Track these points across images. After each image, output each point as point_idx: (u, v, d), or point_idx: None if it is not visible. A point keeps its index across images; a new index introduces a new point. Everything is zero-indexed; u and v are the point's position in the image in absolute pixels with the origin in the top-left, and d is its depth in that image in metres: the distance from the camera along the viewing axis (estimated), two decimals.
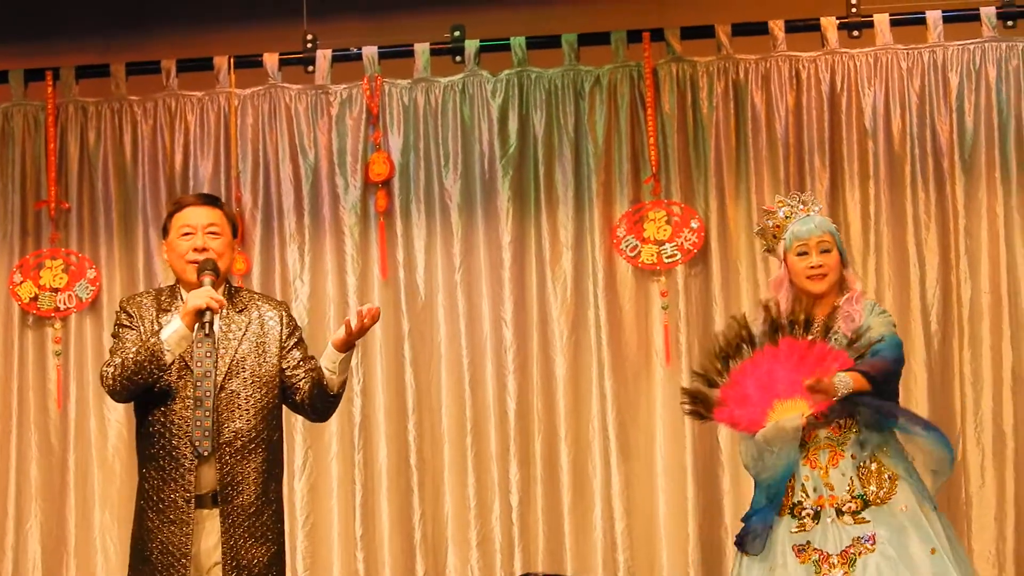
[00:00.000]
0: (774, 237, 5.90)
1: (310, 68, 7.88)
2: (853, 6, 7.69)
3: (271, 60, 7.88)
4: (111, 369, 5.31)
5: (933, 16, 7.66)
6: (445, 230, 7.81)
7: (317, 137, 7.86)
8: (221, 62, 7.88)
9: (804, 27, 7.73)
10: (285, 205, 7.85)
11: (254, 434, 5.39)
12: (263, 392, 5.43)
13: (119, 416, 7.78)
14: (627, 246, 7.66)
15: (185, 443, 5.31)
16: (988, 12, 7.63)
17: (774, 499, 5.63)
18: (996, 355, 7.55)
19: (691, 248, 7.63)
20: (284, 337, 5.51)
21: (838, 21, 7.69)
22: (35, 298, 7.81)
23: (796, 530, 5.60)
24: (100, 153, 7.93)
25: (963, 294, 7.57)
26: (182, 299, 5.43)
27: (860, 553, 5.48)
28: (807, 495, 5.61)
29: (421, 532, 7.71)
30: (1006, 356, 7.54)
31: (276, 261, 7.84)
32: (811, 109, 7.69)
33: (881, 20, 7.67)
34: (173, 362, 5.29)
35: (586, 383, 7.72)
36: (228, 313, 5.46)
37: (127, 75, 7.92)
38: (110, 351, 5.48)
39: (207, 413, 5.31)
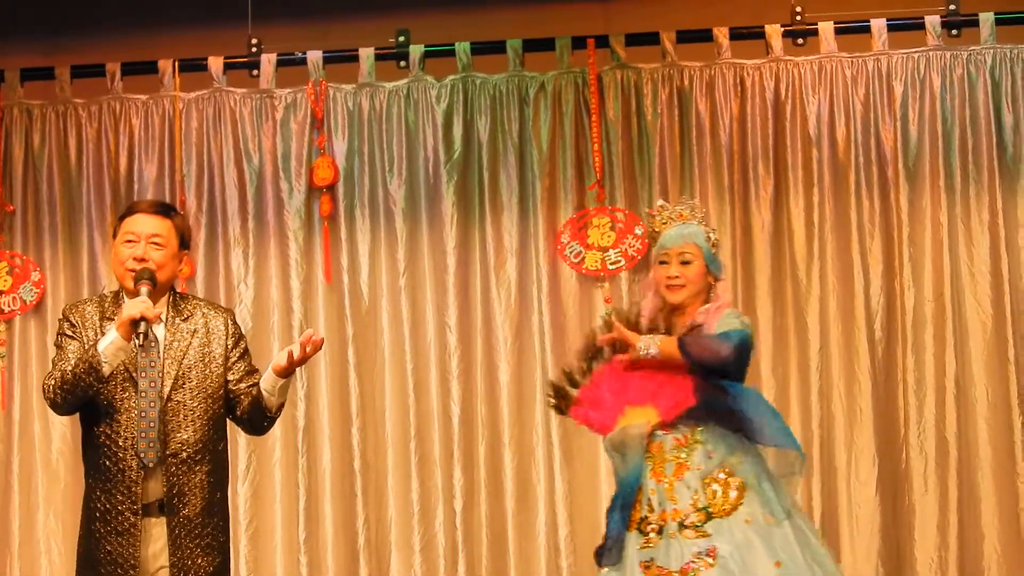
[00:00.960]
0: (653, 241, 5.88)
1: (255, 72, 7.87)
2: (798, 14, 7.69)
3: (216, 64, 7.86)
4: (52, 382, 5.28)
5: (878, 24, 7.66)
6: (389, 235, 7.80)
7: (262, 141, 7.85)
8: (166, 65, 7.86)
9: (749, 35, 7.73)
10: (229, 209, 7.84)
11: (200, 445, 5.36)
12: (209, 403, 5.41)
13: (63, 419, 7.75)
14: (571, 252, 7.66)
15: (131, 454, 5.29)
16: (933, 21, 7.64)
17: (625, 508, 5.58)
18: (939, 363, 7.56)
19: (635, 255, 7.63)
20: (230, 347, 5.49)
21: (783, 29, 7.70)
22: None
23: (642, 546, 5.52)
24: (45, 156, 7.91)
25: (907, 302, 7.58)
26: (123, 303, 5.37)
27: (700, 569, 5.39)
28: (652, 510, 5.54)
29: (364, 537, 7.71)
30: (949, 364, 7.55)
31: (220, 265, 7.83)
32: (755, 116, 7.70)
33: (826, 28, 7.67)
34: (113, 373, 5.26)
35: (530, 389, 7.72)
36: (174, 322, 5.43)
37: (72, 78, 7.91)
38: (52, 362, 5.44)
39: (152, 424, 5.29)
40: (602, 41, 7.74)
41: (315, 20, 8.01)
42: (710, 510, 5.47)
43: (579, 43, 7.75)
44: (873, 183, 7.65)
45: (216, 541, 5.41)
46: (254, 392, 5.45)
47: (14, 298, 7.81)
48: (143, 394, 5.30)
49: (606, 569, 5.61)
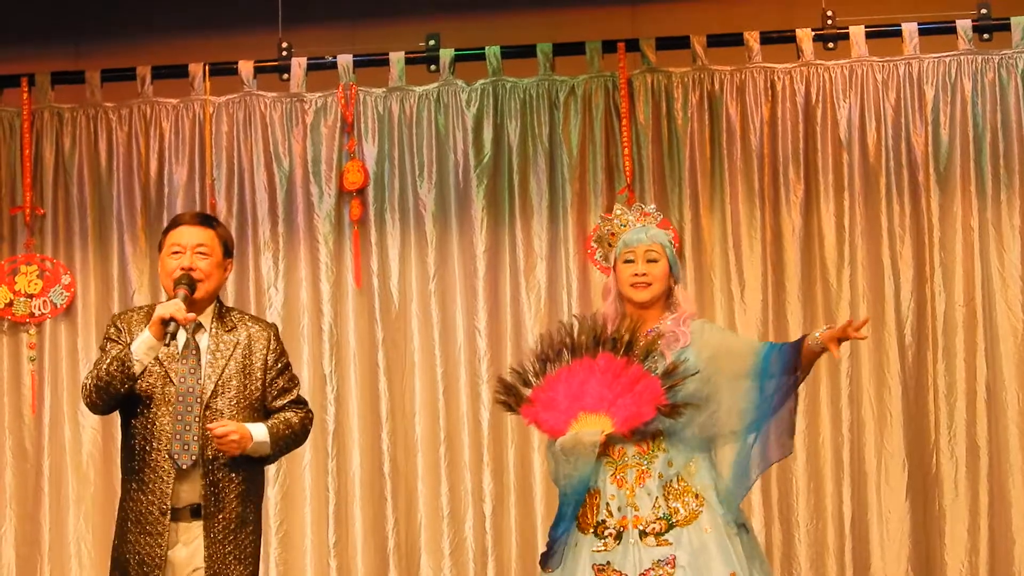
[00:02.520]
0: (609, 245, 5.80)
1: (285, 76, 7.88)
2: (829, 18, 7.67)
3: (246, 68, 7.87)
4: (89, 381, 5.40)
5: (909, 28, 7.64)
6: (419, 239, 7.80)
7: (292, 145, 7.85)
8: (196, 69, 7.87)
9: (779, 39, 7.71)
10: (259, 213, 7.85)
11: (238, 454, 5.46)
12: (247, 413, 5.50)
13: (93, 422, 7.78)
14: (601, 256, 7.63)
15: (164, 456, 5.36)
16: (964, 25, 7.61)
17: (571, 513, 5.54)
18: (970, 368, 7.54)
19: None
20: (270, 363, 5.59)
21: (813, 33, 7.68)
22: (10, 303, 7.82)
23: (598, 549, 5.48)
24: (75, 159, 7.93)
25: (937, 307, 7.57)
26: None
27: None
28: (611, 514, 5.50)
29: (394, 540, 7.71)
30: (980, 369, 7.53)
31: (250, 269, 7.84)
32: (786, 121, 7.68)
33: (857, 32, 7.66)
34: (150, 375, 5.36)
35: None
36: (217, 332, 5.53)
37: (102, 82, 7.92)
38: (94, 364, 5.52)
39: (187, 428, 5.37)
40: (632, 45, 7.74)
41: (345, 24, 8.03)
42: (671, 519, 5.46)
43: (609, 47, 7.74)
44: (904, 188, 7.63)
45: (249, 549, 5.49)
46: (287, 411, 5.59)
47: (44, 301, 7.82)
48: (181, 399, 5.39)
49: (552, 571, 5.59)
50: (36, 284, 7.82)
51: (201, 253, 5.51)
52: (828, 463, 7.57)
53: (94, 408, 5.45)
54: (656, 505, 5.47)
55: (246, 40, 7.96)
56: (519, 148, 7.79)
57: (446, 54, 7.82)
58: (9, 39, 8.09)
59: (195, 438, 5.38)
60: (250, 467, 5.49)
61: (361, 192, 7.78)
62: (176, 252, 5.51)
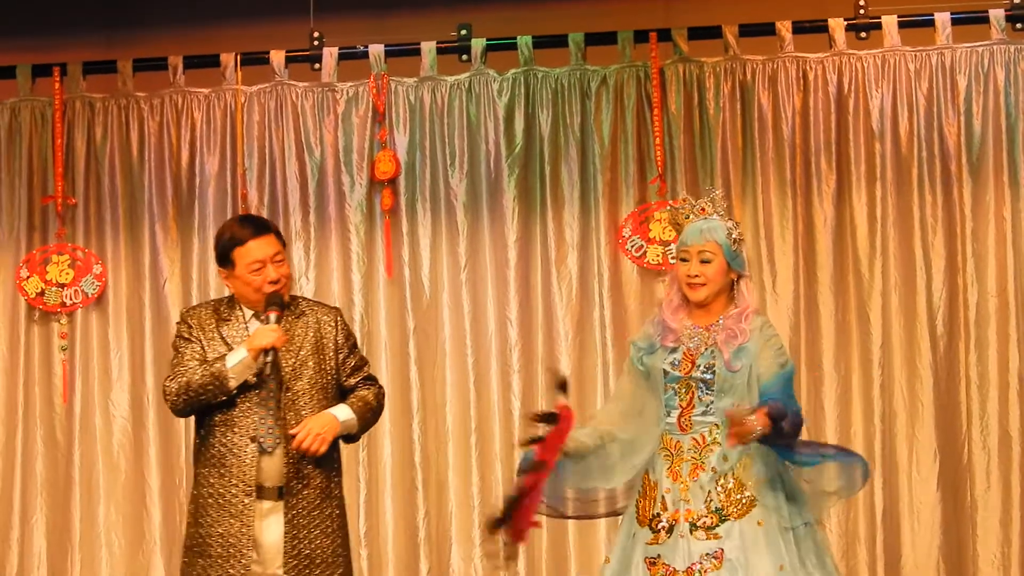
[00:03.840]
0: (678, 233, 5.76)
1: (316, 66, 7.88)
2: (861, 7, 7.66)
3: (278, 57, 7.87)
4: (174, 386, 5.57)
5: (941, 18, 7.63)
6: (450, 229, 7.81)
7: (323, 135, 7.86)
8: (228, 59, 7.88)
9: (811, 28, 7.70)
10: (291, 203, 7.85)
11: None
12: (323, 393, 5.69)
13: (124, 412, 7.82)
14: (632, 246, 7.65)
15: (246, 440, 5.54)
16: (997, 14, 7.60)
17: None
18: (1002, 358, 7.53)
19: None
20: (340, 343, 5.77)
21: (846, 22, 7.66)
22: (41, 293, 7.83)
23: (650, 542, 5.48)
24: (107, 149, 7.94)
25: (969, 297, 7.55)
26: (241, 312, 5.69)
27: (706, 570, 5.35)
28: (665, 508, 5.49)
29: (425, 530, 7.72)
30: (1012, 359, 7.52)
31: None
32: (818, 110, 7.67)
33: (889, 22, 7.64)
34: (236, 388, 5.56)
35: (591, 383, 7.72)
36: (289, 319, 5.69)
37: (134, 71, 7.93)
38: (172, 364, 5.68)
39: (270, 411, 5.57)
40: (664, 35, 7.73)
41: (377, 13, 8.03)
42: (723, 512, 5.45)
43: (641, 37, 7.73)
44: (936, 178, 7.62)
45: (335, 523, 5.69)
46: (360, 389, 5.79)
47: (76, 291, 7.84)
48: (265, 384, 5.57)
49: (609, 563, 5.62)
50: (67, 274, 7.84)
51: (278, 261, 5.67)
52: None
53: (176, 412, 5.64)
54: (708, 499, 5.45)
55: (278, 30, 7.97)
56: (551, 138, 7.79)
57: (478, 44, 7.82)
58: (41, 29, 8.11)
59: (276, 421, 5.56)
60: (329, 446, 5.66)
61: (392, 182, 7.78)
62: (257, 269, 5.62)
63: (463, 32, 7.84)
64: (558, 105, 7.79)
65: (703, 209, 5.67)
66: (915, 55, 7.65)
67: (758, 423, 5.25)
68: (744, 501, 5.44)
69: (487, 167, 7.81)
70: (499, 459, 7.70)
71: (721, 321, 5.58)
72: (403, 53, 7.86)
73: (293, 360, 5.63)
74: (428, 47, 7.83)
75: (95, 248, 7.90)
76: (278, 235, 5.75)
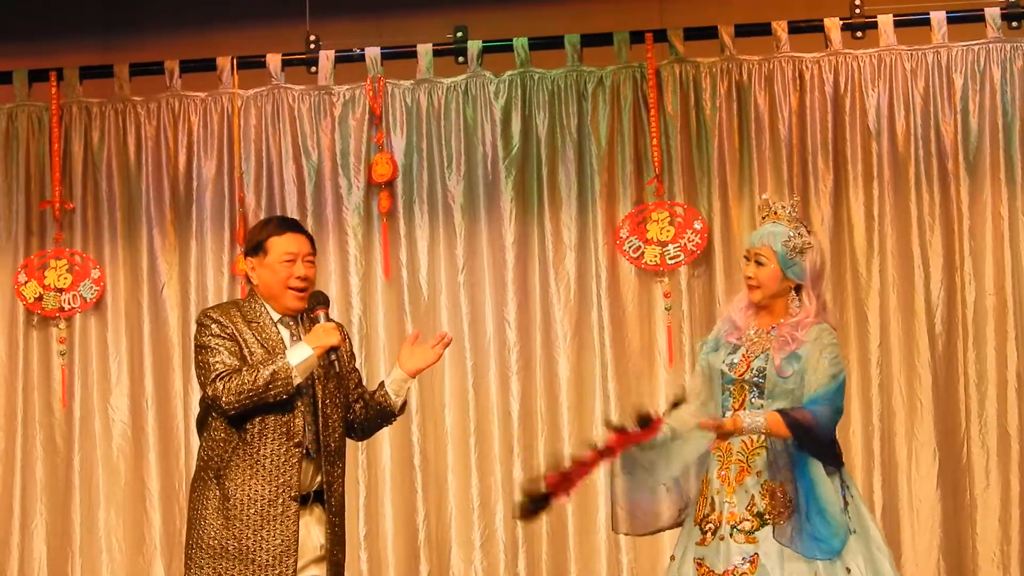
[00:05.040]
0: None
1: (313, 69, 7.89)
2: (857, 7, 7.67)
3: (274, 61, 7.88)
4: (231, 385, 5.45)
5: (937, 17, 7.63)
6: (448, 231, 7.81)
7: (320, 138, 7.86)
8: (224, 63, 7.88)
9: (807, 28, 7.71)
10: (288, 206, 7.86)
11: (340, 440, 5.67)
12: (342, 402, 5.68)
13: (123, 416, 7.82)
14: (630, 247, 7.65)
15: (290, 445, 5.49)
16: (992, 13, 7.60)
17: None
18: (1000, 357, 7.54)
19: (694, 249, 7.63)
20: (348, 357, 5.78)
21: (841, 22, 7.68)
22: (40, 298, 7.83)
23: (699, 543, 5.54)
24: (104, 153, 7.94)
25: (967, 296, 7.56)
26: (267, 311, 5.61)
27: (741, 574, 5.38)
28: (713, 509, 5.54)
29: (425, 532, 7.72)
30: (1011, 358, 7.53)
31: None
32: (815, 110, 7.68)
33: (885, 21, 7.65)
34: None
35: (589, 384, 7.72)
36: (309, 327, 5.65)
37: (130, 76, 7.94)
38: (205, 364, 5.53)
39: (311, 418, 5.54)
40: (660, 35, 7.74)
41: (373, 16, 8.04)
42: (764, 516, 5.46)
43: (637, 38, 7.74)
44: (933, 176, 7.62)
45: (344, 534, 5.70)
46: (365, 397, 5.77)
47: (74, 296, 7.84)
48: (305, 390, 5.53)
49: (674, 560, 5.65)
50: (66, 278, 7.84)
51: (309, 261, 5.65)
52: (859, 452, 7.57)
53: (233, 411, 5.49)
54: (752, 503, 5.47)
55: (274, 33, 7.98)
56: (547, 139, 7.79)
57: (474, 46, 7.83)
58: (37, 34, 8.12)
59: (317, 427, 5.54)
60: (344, 455, 5.69)
61: (390, 184, 7.79)
62: (289, 260, 5.60)
63: (459, 34, 7.85)
64: (555, 106, 7.79)
65: (776, 213, 5.70)
66: (911, 54, 7.66)
67: (743, 420, 5.37)
68: (788, 504, 5.43)
69: (484, 169, 7.81)
70: (498, 460, 7.70)
71: (779, 325, 5.61)
72: (399, 56, 7.87)
73: (324, 367, 5.59)
74: (424, 49, 7.84)
75: (93, 253, 7.90)
76: (311, 242, 5.72)
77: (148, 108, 7.94)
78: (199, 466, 5.62)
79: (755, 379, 5.56)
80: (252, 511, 5.49)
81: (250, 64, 7.90)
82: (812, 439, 5.42)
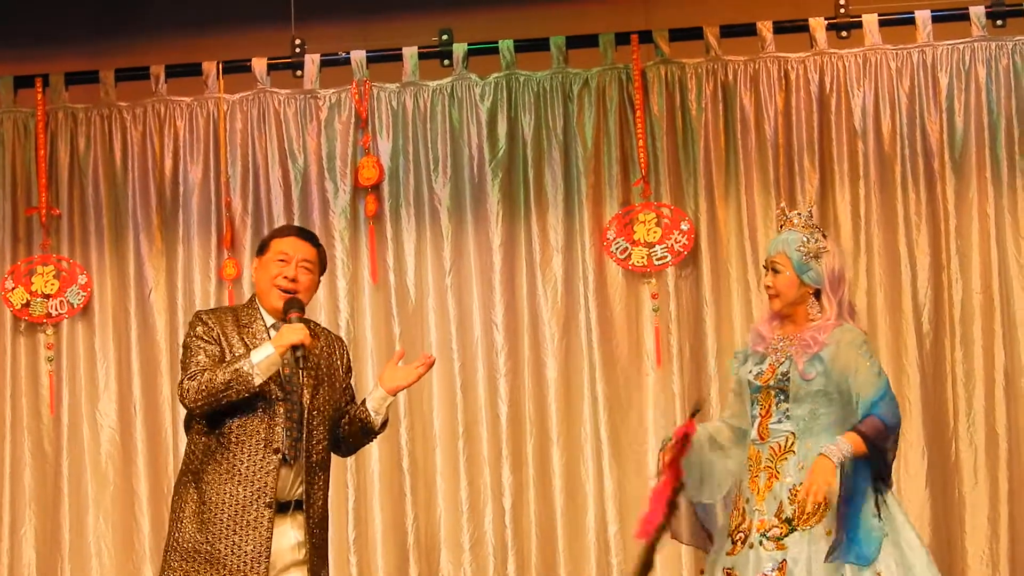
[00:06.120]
0: None
1: (298, 73, 7.89)
2: (842, 6, 7.67)
3: (260, 65, 7.88)
4: (194, 384, 5.46)
5: (922, 16, 7.64)
6: (435, 234, 7.81)
7: (306, 141, 7.86)
8: (210, 67, 7.88)
9: (792, 28, 7.72)
10: (275, 210, 7.85)
11: (325, 452, 5.65)
12: (331, 414, 5.68)
13: (111, 421, 7.81)
14: (617, 248, 7.65)
15: (269, 452, 5.48)
16: (977, 12, 7.61)
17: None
18: (988, 355, 7.54)
19: (681, 250, 7.62)
20: (344, 372, 5.80)
21: (827, 22, 7.68)
22: (27, 304, 7.83)
23: (729, 552, 5.56)
24: (90, 159, 7.94)
25: (954, 294, 7.56)
26: (261, 317, 5.64)
27: None
28: (744, 518, 5.56)
29: (414, 535, 7.71)
30: (998, 356, 7.52)
31: None
32: (800, 110, 7.68)
33: (870, 20, 7.66)
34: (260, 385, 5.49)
35: (577, 386, 7.72)
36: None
37: (116, 81, 7.93)
38: (184, 363, 5.59)
39: (295, 426, 5.52)
40: (646, 36, 7.75)
41: (358, 20, 8.03)
42: (793, 522, 5.46)
43: (623, 39, 7.74)
44: (919, 175, 7.63)
45: (327, 550, 5.68)
46: (355, 414, 5.75)
47: (61, 302, 7.83)
48: (288, 397, 5.53)
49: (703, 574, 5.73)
50: (53, 284, 7.83)
51: (305, 267, 5.67)
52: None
53: (194, 411, 5.53)
54: (780, 509, 5.48)
55: (259, 37, 7.97)
56: (534, 141, 7.79)
57: (459, 48, 7.83)
58: (23, 40, 8.10)
59: (300, 435, 5.53)
60: (329, 467, 5.67)
61: (376, 188, 7.79)
62: (282, 260, 5.64)
63: (445, 37, 7.85)
64: (541, 108, 7.79)
65: (792, 221, 5.73)
66: (896, 53, 7.66)
67: (832, 455, 5.33)
68: (816, 510, 5.43)
69: (470, 171, 7.81)
70: (487, 463, 7.70)
71: (800, 335, 5.62)
72: (385, 59, 7.87)
73: (314, 378, 5.61)
74: (410, 52, 7.84)
75: (80, 258, 7.90)
76: (321, 254, 5.76)
77: (134, 113, 7.94)
78: (181, 469, 5.65)
79: (780, 384, 5.58)
80: (226, 516, 5.48)
81: (236, 68, 7.89)
82: (889, 441, 5.45)
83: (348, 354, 5.87)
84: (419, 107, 7.84)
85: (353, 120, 7.84)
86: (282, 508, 5.50)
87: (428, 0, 7.99)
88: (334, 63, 7.88)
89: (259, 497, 5.46)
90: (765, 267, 5.73)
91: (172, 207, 7.90)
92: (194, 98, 7.91)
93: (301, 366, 5.47)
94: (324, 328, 5.92)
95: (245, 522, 5.45)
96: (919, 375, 7.54)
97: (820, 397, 5.54)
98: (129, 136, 7.94)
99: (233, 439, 5.51)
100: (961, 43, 7.62)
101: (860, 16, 7.66)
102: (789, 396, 5.56)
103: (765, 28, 7.69)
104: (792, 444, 5.53)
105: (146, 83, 7.93)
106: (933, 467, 7.52)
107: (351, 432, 5.76)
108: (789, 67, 7.70)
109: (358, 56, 7.84)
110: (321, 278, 5.83)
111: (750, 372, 5.68)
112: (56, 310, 7.84)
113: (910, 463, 7.52)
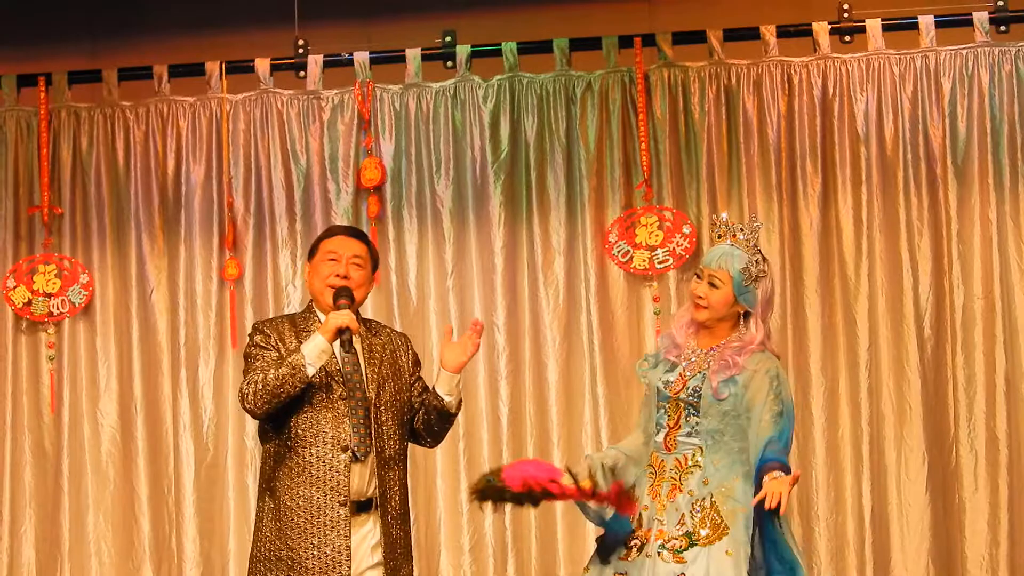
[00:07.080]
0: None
1: (302, 73, 7.89)
2: (845, 11, 7.67)
3: (263, 65, 7.88)
4: (251, 387, 5.48)
5: (925, 21, 7.64)
6: (437, 235, 7.81)
7: (309, 142, 7.86)
8: (213, 67, 7.88)
9: (796, 32, 7.72)
10: (277, 210, 7.86)
11: (398, 448, 5.65)
12: (401, 409, 5.69)
13: (112, 421, 7.81)
14: (619, 251, 7.65)
15: (338, 450, 5.50)
16: (980, 17, 7.61)
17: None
18: (989, 360, 7.54)
19: (683, 253, 7.63)
20: (411, 366, 5.80)
21: (830, 26, 7.68)
22: (28, 303, 7.83)
23: (622, 557, 5.51)
24: (93, 158, 7.94)
25: (956, 300, 7.56)
26: (318, 320, 5.64)
27: None
28: (640, 526, 5.50)
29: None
30: (999, 361, 7.52)
31: (268, 266, 7.85)
32: (803, 114, 7.68)
33: (873, 25, 7.65)
34: (315, 376, 5.48)
35: (578, 388, 7.72)
36: (367, 337, 5.71)
37: (119, 80, 7.94)
38: (245, 371, 5.61)
39: (361, 422, 5.54)
40: (649, 40, 7.75)
41: (361, 21, 8.03)
42: (693, 536, 5.42)
43: (626, 42, 7.75)
44: (922, 180, 7.63)
45: (410, 545, 5.70)
46: (428, 404, 5.74)
47: (63, 300, 7.84)
48: (352, 394, 5.55)
49: (588, 572, 5.65)
50: (54, 283, 7.84)
51: (356, 263, 5.68)
52: (848, 457, 7.57)
53: (256, 413, 5.52)
54: (681, 521, 5.44)
55: (262, 38, 7.97)
56: (536, 144, 7.79)
57: (462, 50, 7.83)
58: (26, 39, 8.10)
59: (368, 432, 5.54)
60: (405, 464, 5.68)
61: (378, 189, 7.79)
62: (332, 259, 5.67)
63: (448, 39, 7.85)
64: (543, 111, 7.79)
65: (735, 235, 5.66)
66: (899, 58, 7.66)
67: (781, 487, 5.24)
68: (717, 529, 5.41)
69: (473, 173, 7.81)
70: (488, 465, 7.67)
71: (719, 347, 5.58)
72: (388, 60, 7.87)
73: (376, 376, 5.63)
74: (413, 54, 7.84)
75: (82, 258, 7.90)
76: (371, 249, 5.76)
77: (137, 113, 7.94)
78: (259, 479, 5.68)
79: (690, 399, 5.55)
80: (302, 519, 5.49)
81: (239, 69, 7.89)
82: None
83: (413, 351, 5.86)
84: (422, 109, 7.84)
85: (356, 121, 7.84)
86: (361, 508, 5.51)
87: (431, 2, 7.99)
88: (337, 64, 7.88)
89: (334, 497, 5.47)
90: (699, 276, 5.64)
91: (174, 207, 7.91)
92: (197, 98, 7.92)
93: (347, 350, 5.45)
94: (386, 326, 5.94)
95: (322, 523, 5.46)
96: (920, 380, 7.55)
97: (729, 417, 5.50)
98: (132, 136, 7.94)
99: (301, 441, 5.52)
100: (964, 48, 7.62)
101: (863, 21, 7.66)
102: (700, 411, 5.51)
103: (768, 32, 7.69)
104: (698, 458, 5.50)
105: (149, 83, 7.93)
106: (933, 472, 7.52)
107: (429, 421, 5.74)
108: (792, 71, 7.70)
109: (361, 57, 7.84)
110: (375, 275, 5.85)
111: (660, 379, 5.64)
112: (58, 309, 7.84)
113: (910, 468, 7.53)
